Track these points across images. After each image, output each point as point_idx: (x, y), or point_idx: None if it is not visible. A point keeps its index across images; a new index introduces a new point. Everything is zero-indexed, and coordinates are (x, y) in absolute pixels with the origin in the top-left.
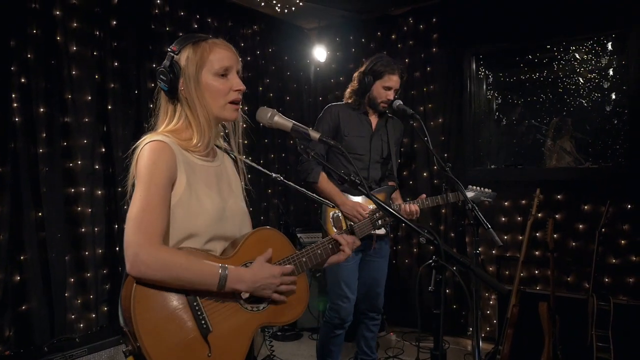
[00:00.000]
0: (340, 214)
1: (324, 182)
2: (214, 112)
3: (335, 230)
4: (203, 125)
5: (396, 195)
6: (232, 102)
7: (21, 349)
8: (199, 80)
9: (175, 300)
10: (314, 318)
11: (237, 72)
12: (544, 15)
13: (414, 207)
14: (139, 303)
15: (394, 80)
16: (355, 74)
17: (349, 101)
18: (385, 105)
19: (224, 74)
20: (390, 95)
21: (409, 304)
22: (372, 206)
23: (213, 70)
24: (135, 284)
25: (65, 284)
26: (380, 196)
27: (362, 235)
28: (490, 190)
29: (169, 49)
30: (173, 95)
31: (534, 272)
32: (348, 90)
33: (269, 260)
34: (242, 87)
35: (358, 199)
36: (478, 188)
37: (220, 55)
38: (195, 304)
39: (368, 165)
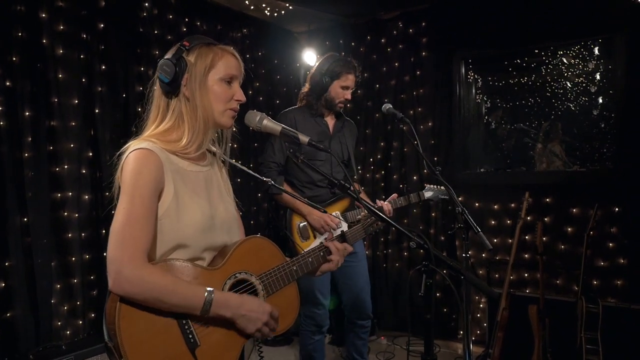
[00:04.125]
0: (306, 224)
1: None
2: (214, 116)
3: (302, 241)
4: (199, 125)
5: (362, 197)
6: (230, 110)
7: (5, 357)
8: (205, 81)
9: (161, 314)
10: None
11: (239, 84)
12: (532, 20)
13: (387, 206)
14: (123, 318)
15: (351, 80)
16: (309, 75)
17: (303, 104)
18: (342, 105)
19: (229, 82)
20: (348, 94)
21: (400, 307)
22: (335, 213)
23: (219, 75)
24: (120, 299)
25: (51, 291)
26: (345, 202)
27: (354, 241)
28: (443, 188)
29: (179, 43)
30: (171, 89)
31: (524, 275)
32: (302, 92)
33: (259, 274)
34: (243, 98)
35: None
36: (435, 187)
37: (229, 63)
38: (182, 317)
39: (331, 170)
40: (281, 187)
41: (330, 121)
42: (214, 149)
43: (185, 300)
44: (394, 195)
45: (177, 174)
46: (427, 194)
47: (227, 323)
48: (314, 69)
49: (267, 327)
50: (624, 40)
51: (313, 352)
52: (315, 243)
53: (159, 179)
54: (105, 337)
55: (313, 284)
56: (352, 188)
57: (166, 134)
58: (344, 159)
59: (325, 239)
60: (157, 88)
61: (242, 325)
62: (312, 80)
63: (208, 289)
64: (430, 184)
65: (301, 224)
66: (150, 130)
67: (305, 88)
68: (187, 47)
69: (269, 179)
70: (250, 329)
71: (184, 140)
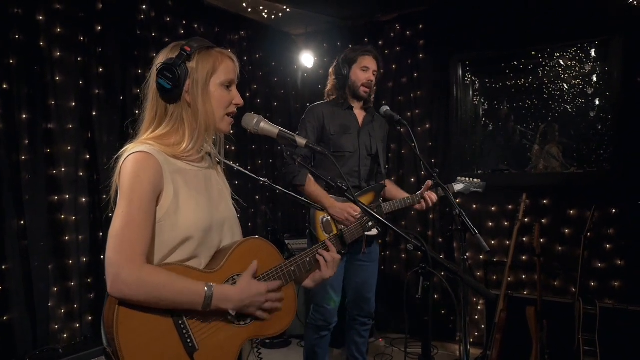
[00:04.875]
0: (329, 218)
1: (311, 184)
2: (215, 121)
3: (326, 235)
4: (200, 131)
5: (393, 188)
6: (228, 115)
7: None
8: (207, 87)
9: (159, 320)
10: (302, 325)
11: (236, 86)
12: (529, 22)
13: (433, 195)
14: (122, 324)
15: (368, 60)
16: (331, 69)
17: (332, 98)
18: (367, 89)
19: (228, 86)
20: (370, 76)
21: (398, 309)
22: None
23: (220, 80)
24: (117, 304)
25: (48, 294)
26: (370, 195)
27: (352, 239)
28: (479, 180)
29: (181, 48)
30: (172, 95)
31: (521, 276)
32: (328, 87)
33: (255, 275)
34: (242, 102)
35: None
36: (467, 179)
37: (229, 67)
38: (180, 322)
39: (359, 163)
40: (274, 185)
41: (359, 114)
42: (209, 149)
43: (186, 297)
44: (428, 182)
45: (177, 173)
46: (457, 187)
47: (224, 327)
48: (334, 64)
49: (270, 304)
50: (620, 42)
51: (317, 347)
52: None
53: (157, 182)
54: (104, 342)
55: (327, 280)
56: (347, 189)
57: (164, 137)
58: (372, 153)
59: (332, 236)
60: (152, 91)
61: (245, 312)
62: (334, 74)
63: (207, 283)
64: (462, 177)
65: (324, 219)
66: (147, 134)
67: (330, 83)
68: (188, 52)
69: (265, 179)
70: (252, 312)
71: (184, 145)
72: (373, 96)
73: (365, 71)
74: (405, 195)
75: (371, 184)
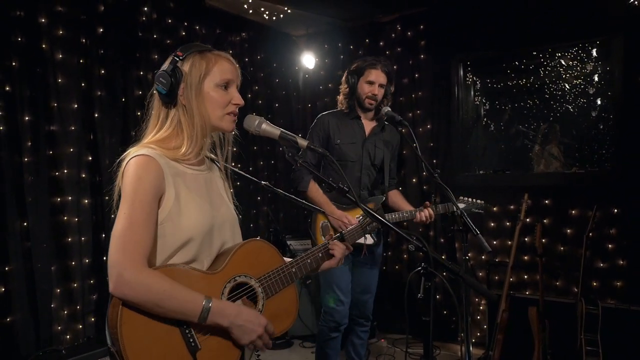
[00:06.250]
0: (329, 223)
1: (314, 190)
2: (212, 122)
3: (324, 239)
4: (197, 133)
5: (400, 199)
6: (228, 114)
7: None
8: (201, 89)
9: (163, 320)
10: (305, 326)
11: (237, 87)
12: (531, 22)
13: (427, 211)
14: (125, 323)
15: (374, 74)
16: (343, 78)
17: (342, 107)
18: (372, 101)
19: (225, 86)
20: (375, 89)
21: (400, 310)
22: (358, 216)
23: (215, 81)
24: (121, 304)
25: (51, 295)
26: (370, 205)
27: (352, 241)
28: (481, 202)
29: (173, 54)
30: (170, 100)
31: (523, 277)
32: (340, 96)
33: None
34: (241, 102)
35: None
36: (468, 199)
37: (224, 68)
38: (183, 322)
39: (360, 172)
40: (276, 189)
41: (367, 124)
42: (212, 155)
43: (183, 307)
44: (426, 203)
45: (178, 177)
46: (460, 206)
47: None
48: (346, 73)
49: (261, 341)
50: (621, 42)
51: (327, 348)
52: None
53: (159, 185)
54: (108, 341)
55: (333, 280)
56: (349, 190)
57: (165, 141)
58: (375, 163)
59: (326, 238)
60: (155, 98)
61: (237, 335)
62: (345, 82)
63: (206, 296)
64: (464, 197)
65: (324, 223)
66: (149, 137)
67: (342, 92)
68: (181, 57)
69: (267, 182)
70: (244, 340)
71: (184, 148)
72: (388, 105)
73: (370, 84)
74: (409, 208)
75: (376, 193)
